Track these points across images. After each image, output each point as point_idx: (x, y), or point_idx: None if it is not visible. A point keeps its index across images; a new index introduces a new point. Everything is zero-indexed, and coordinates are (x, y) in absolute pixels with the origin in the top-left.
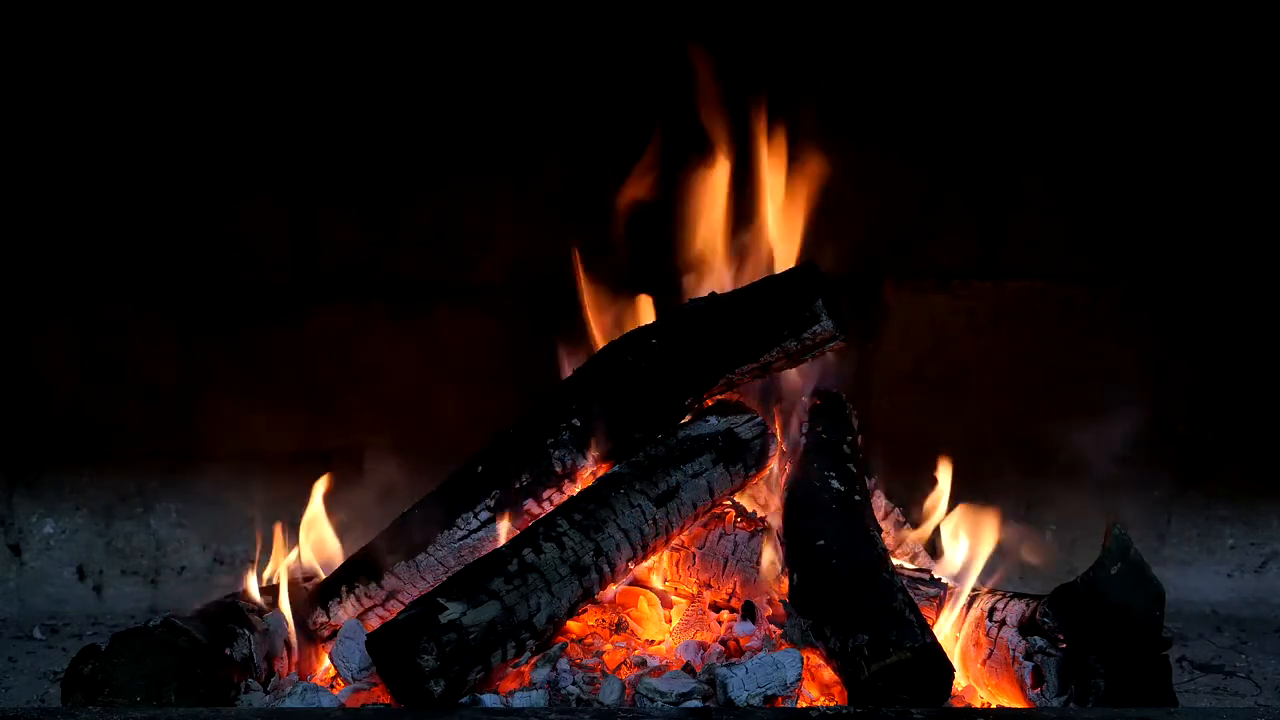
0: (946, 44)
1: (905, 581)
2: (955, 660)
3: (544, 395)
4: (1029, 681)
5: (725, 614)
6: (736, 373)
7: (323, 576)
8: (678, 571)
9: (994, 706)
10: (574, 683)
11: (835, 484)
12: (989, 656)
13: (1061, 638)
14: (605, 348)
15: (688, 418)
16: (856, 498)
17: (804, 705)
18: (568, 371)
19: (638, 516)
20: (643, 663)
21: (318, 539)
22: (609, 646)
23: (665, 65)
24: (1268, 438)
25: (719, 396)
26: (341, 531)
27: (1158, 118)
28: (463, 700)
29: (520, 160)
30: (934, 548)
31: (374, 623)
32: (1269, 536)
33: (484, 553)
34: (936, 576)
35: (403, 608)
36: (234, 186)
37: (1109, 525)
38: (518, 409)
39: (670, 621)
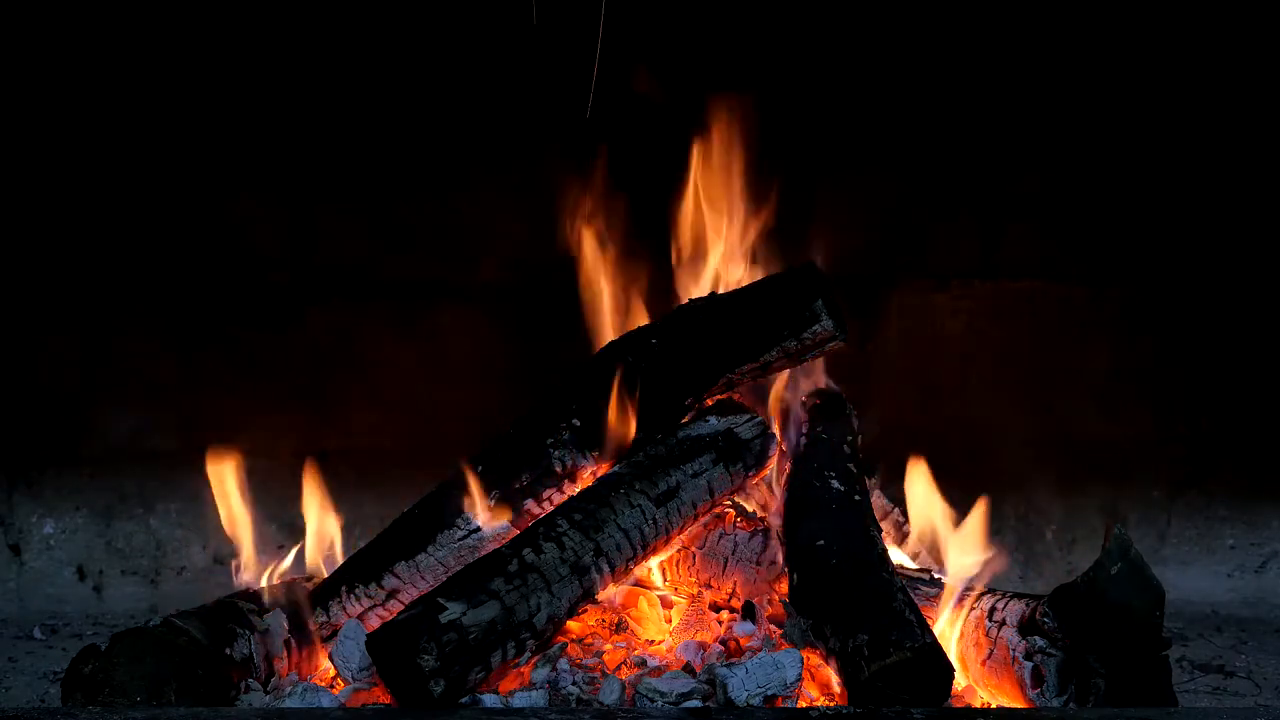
0: (947, 47)
1: (905, 581)
2: (955, 660)
3: (544, 395)
4: (1029, 681)
5: (725, 614)
6: (736, 372)
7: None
8: (678, 571)
9: (994, 706)
10: (574, 683)
11: (835, 484)
12: (989, 656)
13: (1061, 637)
14: (605, 347)
15: (688, 418)
16: (856, 498)
17: (804, 705)
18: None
19: (638, 516)
20: (643, 663)
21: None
22: (609, 646)
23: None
24: (1268, 438)
25: (719, 396)
26: (342, 532)
27: (1156, 120)
28: (463, 700)
29: (520, 159)
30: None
31: (374, 623)
32: (1269, 536)
33: (484, 553)
34: (936, 576)
35: (403, 608)
36: (233, 186)
37: (1109, 525)
38: (518, 409)
39: (670, 621)
